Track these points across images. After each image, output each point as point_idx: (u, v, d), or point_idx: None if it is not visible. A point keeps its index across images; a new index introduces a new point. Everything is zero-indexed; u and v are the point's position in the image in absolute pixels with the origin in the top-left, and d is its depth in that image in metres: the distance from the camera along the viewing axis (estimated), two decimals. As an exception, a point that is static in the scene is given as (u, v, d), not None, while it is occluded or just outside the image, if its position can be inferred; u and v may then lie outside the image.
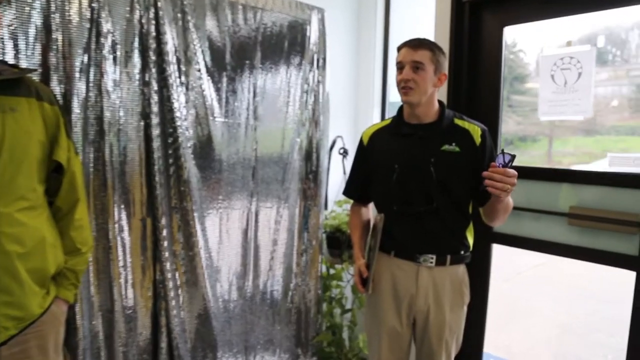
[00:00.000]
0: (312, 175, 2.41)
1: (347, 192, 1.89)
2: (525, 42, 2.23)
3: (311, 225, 2.42)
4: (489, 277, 2.22)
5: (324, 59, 2.40)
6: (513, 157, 1.38)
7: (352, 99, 2.98)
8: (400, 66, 1.61)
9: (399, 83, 1.61)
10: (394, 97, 2.84)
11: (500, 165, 1.39)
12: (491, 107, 2.23)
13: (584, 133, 2.09)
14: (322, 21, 2.37)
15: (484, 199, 1.58)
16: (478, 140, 1.60)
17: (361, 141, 1.82)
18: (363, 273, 1.67)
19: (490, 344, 2.29)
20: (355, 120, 3.00)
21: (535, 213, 2.07)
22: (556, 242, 2.01)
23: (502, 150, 1.41)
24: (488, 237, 2.18)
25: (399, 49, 1.63)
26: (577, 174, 2.01)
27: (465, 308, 1.70)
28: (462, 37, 2.27)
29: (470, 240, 1.69)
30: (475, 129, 1.63)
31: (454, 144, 1.60)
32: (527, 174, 2.11)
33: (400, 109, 1.73)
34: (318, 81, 2.39)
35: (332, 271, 2.64)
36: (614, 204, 1.85)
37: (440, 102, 1.69)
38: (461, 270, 1.68)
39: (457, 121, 1.66)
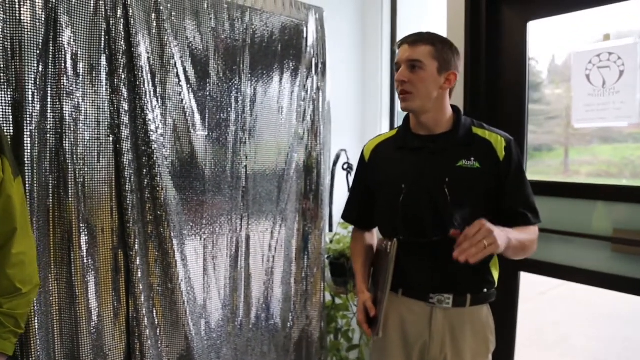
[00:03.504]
0: (312, 194, 2.15)
1: (346, 216, 1.61)
2: (537, 36, 1.96)
3: (312, 251, 2.15)
4: (517, 311, 1.91)
5: (324, 64, 2.15)
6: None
7: (357, 108, 2.72)
8: (397, 67, 1.35)
9: (396, 87, 1.35)
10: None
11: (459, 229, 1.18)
12: (515, 116, 1.95)
13: (600, 141, 1.95)
14: (320, 22, 2.13)
15: (510, 224, 1.29)
16: (501, 153, 1.32)
17: (362, 156, 1.55)
18: (370, 310, 1.38)
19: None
20: (362, 132, 2.74)
21: (568, 237, 1.77)
22: (597, 272, 1.70)
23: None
24: (515, 265, 1.87)
25: (398, 47, 1.37)
26: (620, 191, 1.71)
27: (490, 357, 1.40)
28: (480, 36, 2.01)
29: (496, 274, 1.40)
30: (499, 140, 1.34)
31: (472, 158, 1.33)
32: (555, 190, 1.82)
33: (407, 118, 1.47)
34: (317, 88, 2.13)
35: (338, 301, 2.37)
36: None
37: (454, 107, 1.42)
38: (484, 311, 1.38)
39: (476, 130, 1.38)
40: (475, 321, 1.36)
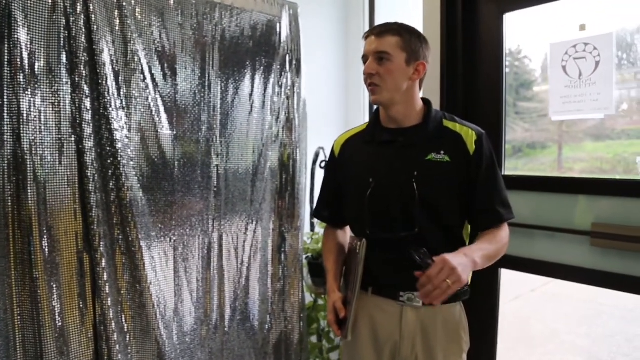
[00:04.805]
0: (288, 193, 2.10)
1: (317, 213, 1.57)
2: (530, 34, 1.92)
3: (289, 251, 2.10)
4: (498, 309, 1.88)
5: (299, 61, 2.10)
6: (423, 252, 1.13)
7: (339, 105, 2.67)
8: (365, 60, 1.31)
9: (364, 80, 1.31)
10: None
11: (422, 269, 1.12)
12: (493, 111, 1.92)
13: (593, 138, 1.94)
14: (294, 17, 2.08)
15: (481, 221, 1.25)
16: (472, 147, 1.28)
17: (332, 151, 1.51)
18: (339, 311, 1.34)
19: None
20: (345, 129, 2.69)
21: (548, 231, 1.74)
22: (577, 267, 1.67)
23: (412, 253, 1.15)
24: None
25: (365, 38, 1.33)
26: (599, 184, 1.67)
27: (464, 356, 1.36)
28: (456, 30, 1.98)
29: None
30: (469, 134, 1.30)
31: (442, 152, 1.28)
32: (538, 185, 1.78)
33: (377, 111, 1.42)
34: (292, 85, 2.09)
35: (320, 301, 2.32)
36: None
37: (425, 100, 1.38)
38: (457, 310, 1.34)
39: (447, 123, 1.34)
40: (447, 320, 1.32)
